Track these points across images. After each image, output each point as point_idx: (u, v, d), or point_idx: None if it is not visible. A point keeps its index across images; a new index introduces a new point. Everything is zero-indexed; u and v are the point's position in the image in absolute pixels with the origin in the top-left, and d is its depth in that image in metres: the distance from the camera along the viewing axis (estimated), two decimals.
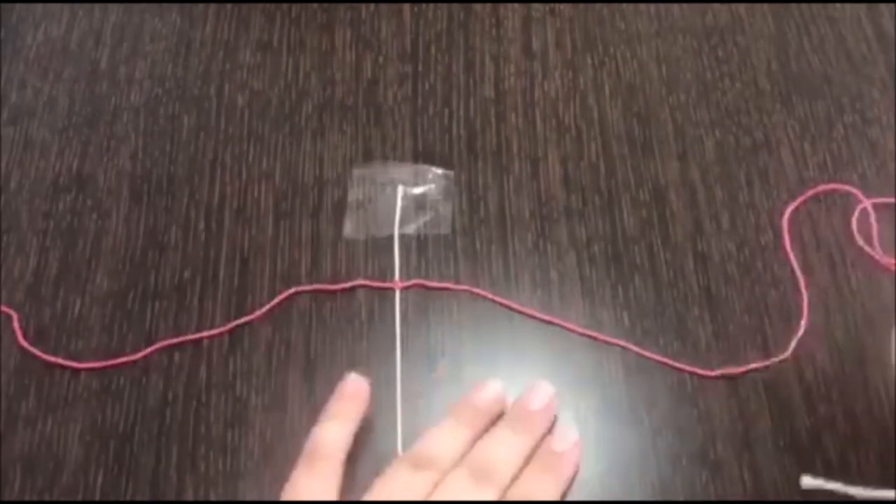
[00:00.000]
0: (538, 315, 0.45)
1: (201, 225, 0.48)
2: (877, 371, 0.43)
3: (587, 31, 0.54)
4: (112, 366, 0.43)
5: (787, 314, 0.45)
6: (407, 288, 0.45)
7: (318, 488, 0.37)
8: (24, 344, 0.44)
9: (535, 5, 0.55)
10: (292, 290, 0.45)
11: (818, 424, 0.42)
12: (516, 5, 0.55)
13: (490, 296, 0.45)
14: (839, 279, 0.46)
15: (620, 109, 0.51)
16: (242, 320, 0.44)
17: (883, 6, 0.55)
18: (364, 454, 0.41)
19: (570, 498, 0.40)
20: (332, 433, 0.39)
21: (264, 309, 0.45)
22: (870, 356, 0.44)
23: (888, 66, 0.53)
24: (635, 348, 0.44)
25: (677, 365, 0.43)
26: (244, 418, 0.42)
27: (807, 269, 0.46)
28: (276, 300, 0.45)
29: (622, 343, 0.44)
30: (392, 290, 0.45)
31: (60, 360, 0.43)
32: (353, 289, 0.45)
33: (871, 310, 0.45)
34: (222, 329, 0.44)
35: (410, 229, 0.47)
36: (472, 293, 0.45)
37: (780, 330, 0.44)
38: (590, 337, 0.44)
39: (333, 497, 0.37)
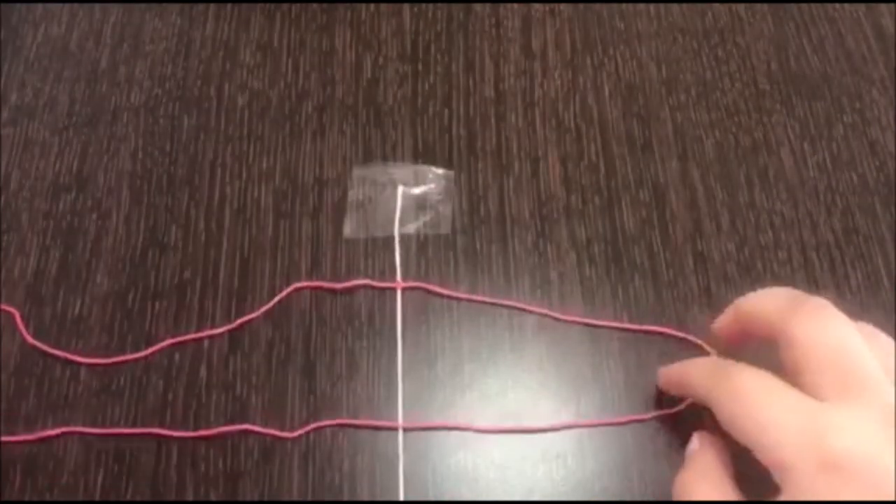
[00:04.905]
0: (535, 309, 0.45)
1: (201, 225, 0.48)
2: None
3: (587, 31, 0.54)
4: (118, 362, 0.43)
5: None
6: (408, 289, 0.45)
7: None
8: (30, 339, 0.44)
9: (535, 5, 0.55)
10: (293, 287, 0.45)
11: None
12: (516, 5, 0.55)
13: (488, 299, 0.45)
14: (839, 278, 0.46)
15: (620, 109, 0.51)
16: (243, 319, 0.44)
17: (883, 6, 0.55)
18: (365, 457, 0.41)
19: (569, 498, 0.40)
20: None
21: (266, 307, 0.45)
22: None
23: (888, 66, 0.53)
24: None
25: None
26: (244, 418, 0.42)
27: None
28: (277, 297, 0.45)
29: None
30: (393, 289, 0.45)
31: (67, 354, 0.43)
32: (353, 289, 0.45)
33: (867, 307, 0.45)
34: (222, 329, 0.44)
35: (410, 229, 0.47)
36: (471, 300, 0.45)
37: None
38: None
39: None
